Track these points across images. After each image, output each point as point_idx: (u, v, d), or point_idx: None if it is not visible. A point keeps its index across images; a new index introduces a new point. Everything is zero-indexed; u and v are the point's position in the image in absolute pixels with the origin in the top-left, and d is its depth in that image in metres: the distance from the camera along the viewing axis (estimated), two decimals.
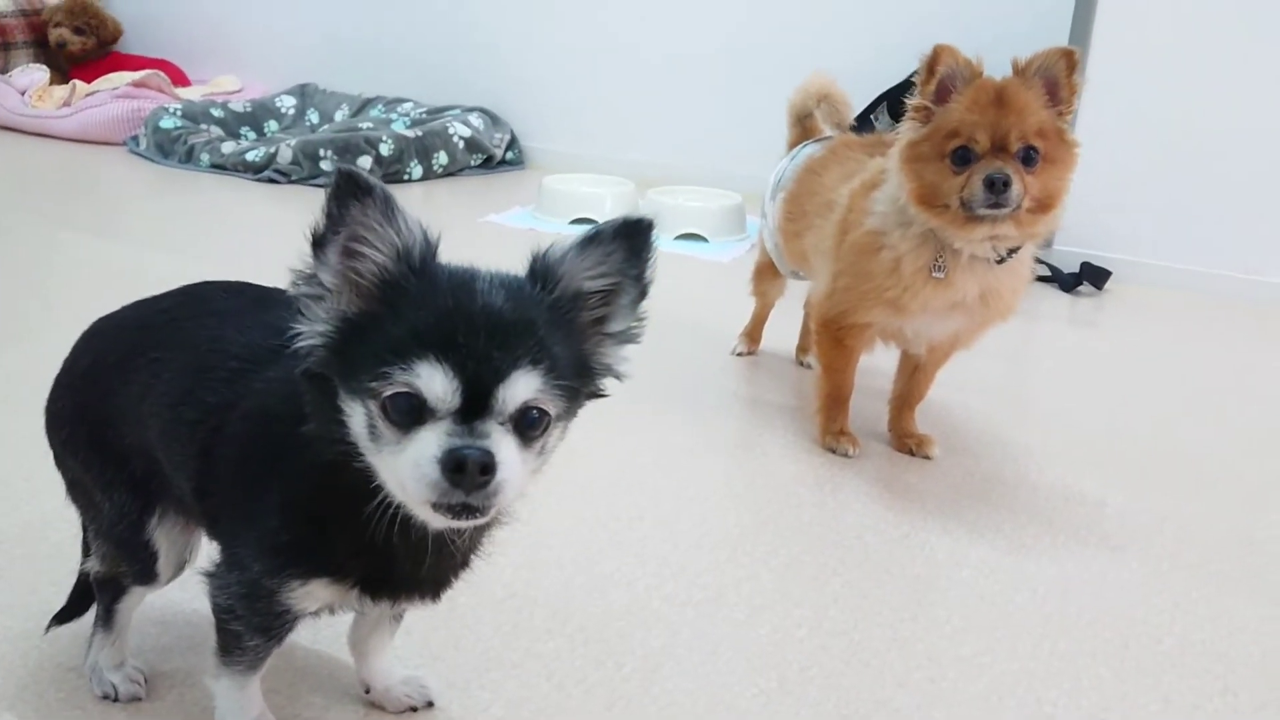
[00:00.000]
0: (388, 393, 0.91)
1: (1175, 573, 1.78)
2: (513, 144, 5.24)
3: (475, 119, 5.06)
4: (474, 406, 0.91)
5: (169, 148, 4.81)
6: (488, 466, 0.90)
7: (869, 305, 2.02)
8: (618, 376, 1.04)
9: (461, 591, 1.21)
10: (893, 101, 3.87)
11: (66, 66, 5.80)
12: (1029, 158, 1.82)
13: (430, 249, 0.96)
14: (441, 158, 4.79)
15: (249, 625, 1.14)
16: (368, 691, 1.35)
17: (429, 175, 4.76)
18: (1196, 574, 1.78)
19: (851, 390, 2.21)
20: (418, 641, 1.46)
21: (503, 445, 0.91)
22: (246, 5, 5.90)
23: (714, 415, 2.41)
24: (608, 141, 5.13)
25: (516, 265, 1.00)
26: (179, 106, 5.03)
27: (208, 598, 1.16)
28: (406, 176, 4.66)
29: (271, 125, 5.34)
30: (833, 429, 2.19)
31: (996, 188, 1.79)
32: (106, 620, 1.33)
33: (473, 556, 1.16)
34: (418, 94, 5.38)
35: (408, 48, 5.50)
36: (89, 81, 5.48)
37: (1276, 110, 3.46)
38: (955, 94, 1.86)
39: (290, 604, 1.10)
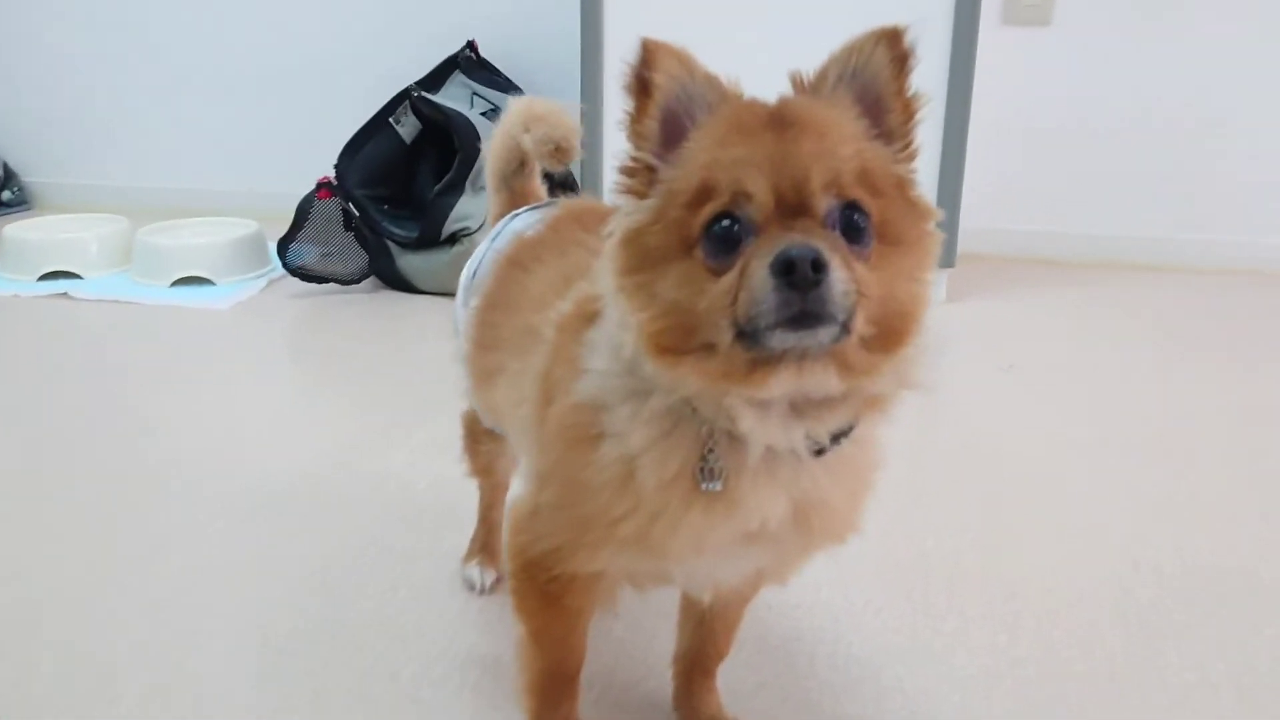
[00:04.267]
0: None
1: None
2: (9, 181, 4.37)
3: None
4: None
5: None
6: None
7: (594, 545, 1.03)
8: None
9: None
10: (415, 100, 3.41)
11: None
12: (853, 226, 0.88)
13: None
14: None
15: None
16: None
17: None
18: None
19: (582, 661, 1.23)
20: None
21: None
22: None
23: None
24: (124, 171, 4.40)
25: None
26: None
27: None
28: None
29: None
30: None
31: (799, 273, 0.81)
32: None
33: None
34: None
35: None
36: None
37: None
38: (694, 129, 0.93)
39: None
